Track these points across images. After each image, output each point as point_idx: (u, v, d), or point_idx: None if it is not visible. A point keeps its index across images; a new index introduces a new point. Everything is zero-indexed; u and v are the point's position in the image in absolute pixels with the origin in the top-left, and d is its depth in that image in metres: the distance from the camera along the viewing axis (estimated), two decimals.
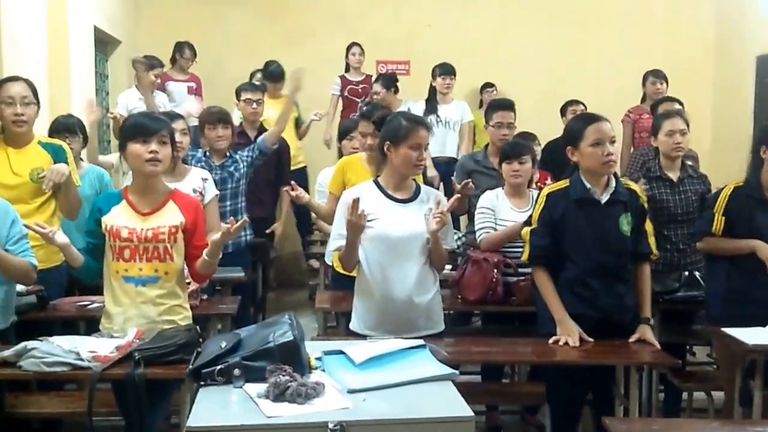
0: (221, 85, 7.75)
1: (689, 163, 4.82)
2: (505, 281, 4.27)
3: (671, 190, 4.57)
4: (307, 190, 6.87)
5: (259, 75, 7.46)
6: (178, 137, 4.31)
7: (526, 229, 3.72)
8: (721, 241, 3.92)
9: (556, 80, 8.19)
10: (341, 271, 4.33)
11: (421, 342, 2.72)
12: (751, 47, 7.90)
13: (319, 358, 2.57)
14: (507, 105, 5.18)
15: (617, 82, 7.86)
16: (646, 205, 3.77)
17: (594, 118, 3.61)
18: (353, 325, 3.63)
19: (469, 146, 6.99)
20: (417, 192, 3.59)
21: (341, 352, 2.57)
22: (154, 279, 3.29)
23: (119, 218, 3.29)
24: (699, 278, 4.39)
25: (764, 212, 3.86)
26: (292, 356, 2.39)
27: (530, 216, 3.77)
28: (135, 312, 3.28)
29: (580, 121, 3.67)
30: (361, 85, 7.88)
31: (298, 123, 7.35)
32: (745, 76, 7.94)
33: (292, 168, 6.86)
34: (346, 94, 7.85)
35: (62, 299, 4.14)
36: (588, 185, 3.59)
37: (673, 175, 4.61)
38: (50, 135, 4.79)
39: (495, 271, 4.24)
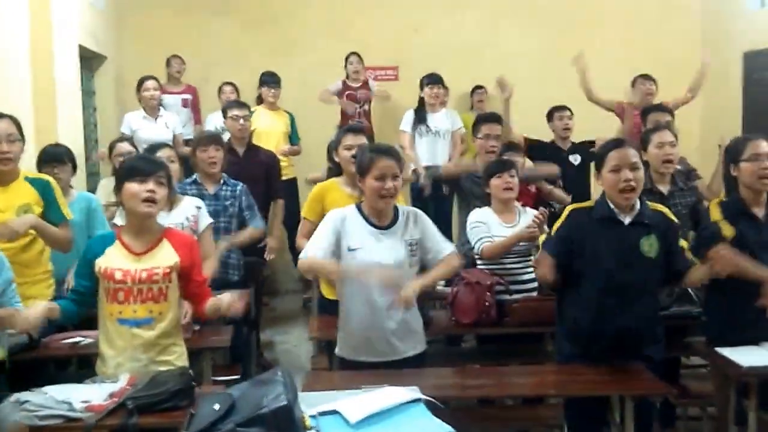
0: (209, 97, 7.76)
1: (679, 167, 4.84)
2: (499, 300, 4.28)
3: (662, 203, 4.55)
4: (297, 202, 6.94)
5: (227, 88, 7.50)
6: None
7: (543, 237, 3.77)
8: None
9: (546, 82, 8.12)
10: (328, 297, 4.37)
11: (416, 395, 2.71)
12: (738, 43, 7.88)
13: (313, 416, 2.56)
14: (493, 118, 5.46)
15: (606, 81, 7.79)
16: (676, 224, 3.75)
17: (617, 144, 3.62)
18: (339, 351, 3.68)
19: (458, 154, 6.99)
20: (396, 217, 3.60)
21: (336, 412, 2.57)
22: (149, 320, 3.30)
23: (113, 260, 3.30)
24: (691, 293, 4.38)
25: (750, 227, 3.82)
26: (285, 421, 2.39)
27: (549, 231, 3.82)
28: (130, 354, 3.29)
29: (604, 147, 3.68)
30: (359, 91, 7.79)
31: (292, 139, 7.31)
32: (732, 73, 7.92)
33: (282, 179, 6.86)
34: (344, 98, 7.75)
35: (54, 336, 4.09)
36: (612, 206, 3.60)
37: (664, 189, 4.62)
38: (38, 165, 4.78)
39: (488, 293, 4.24)
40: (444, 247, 3.62)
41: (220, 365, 4.64)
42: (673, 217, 3.76)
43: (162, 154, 4.60)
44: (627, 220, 3.60)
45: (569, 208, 3.75)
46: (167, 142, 5.10)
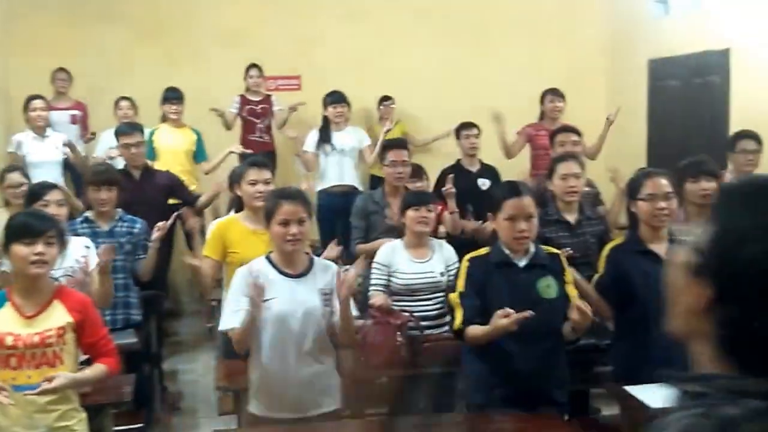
0: (103, 108, 7.37)
1: (586, 189, 4.84)
2: (411, 338, 4.18)
3: (569, 233, 4.58)
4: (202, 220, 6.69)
5: (123, 103, 7.14)
6: (54, 210, 4.15)
7: (454, 294, 3.64)
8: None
9: (452, 91, 8.07)
10: None
11: None
12: (643, 51, 7.95)
13: None
14: (400, 144, 5.38)
15: (514, 90, 7.80)
16: (567, 268, 3.71)
17: (513, 192, 3.55)
18: (253, 408, 3.54)
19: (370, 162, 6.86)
20: (310, 265, 3.53)
21: None
22: None
23: (4, 324, 3.14)
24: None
25: (650, 264, 3.70)
26: None
27: (454, 284, 3.72)
28: (27, 422, 3.11)
29: (500, 191, 3.66)
30: (260, 105, 7.59)
31: (197, 157, 6.94)
32: (638, 80, 7.99)
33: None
34: (244, 114, 7.55)
35: None
36: (507, 251, 3.56)
37: (571, 218, 4.63)
38: None
39: (399, 333, 4.14)
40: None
41: (122, 411, 4.40)
42: (565, 262, 3.74)
43: (51, 197, 4.34)
44: (522, 263, 3.57)
45: (467, 257, 3.70)
46: (56, 183, 4.81)
